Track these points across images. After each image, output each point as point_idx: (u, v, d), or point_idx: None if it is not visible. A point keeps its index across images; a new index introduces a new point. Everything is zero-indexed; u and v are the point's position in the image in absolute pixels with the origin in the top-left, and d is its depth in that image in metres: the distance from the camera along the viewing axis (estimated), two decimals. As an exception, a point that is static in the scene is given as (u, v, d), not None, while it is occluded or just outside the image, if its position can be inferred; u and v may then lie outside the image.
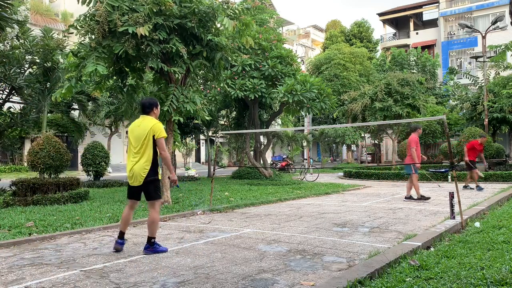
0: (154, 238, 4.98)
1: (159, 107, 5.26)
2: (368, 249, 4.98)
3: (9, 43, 12.41)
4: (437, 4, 39.88)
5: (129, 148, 5.02)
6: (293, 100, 14.65)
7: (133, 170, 4.91)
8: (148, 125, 4.93)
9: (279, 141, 27.15)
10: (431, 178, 15.66)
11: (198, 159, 38.42)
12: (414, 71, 32.30)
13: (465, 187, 12.84)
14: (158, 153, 5.01)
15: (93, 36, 8.18)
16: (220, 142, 31.79)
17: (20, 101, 13.90)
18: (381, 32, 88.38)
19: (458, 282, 3.55)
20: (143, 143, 4.89)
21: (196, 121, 18.02)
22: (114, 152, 28.44)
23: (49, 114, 15.85)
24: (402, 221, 7.06)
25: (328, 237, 5.82)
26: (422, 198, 9.84)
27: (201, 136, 26.66)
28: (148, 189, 4.94)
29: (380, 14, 43.73)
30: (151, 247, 4.97)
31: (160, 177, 5.06)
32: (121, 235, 5.10)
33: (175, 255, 4.91)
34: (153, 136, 4.91)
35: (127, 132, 32.62)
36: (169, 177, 5.11)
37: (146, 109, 5.09)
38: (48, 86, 12.47)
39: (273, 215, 8.11)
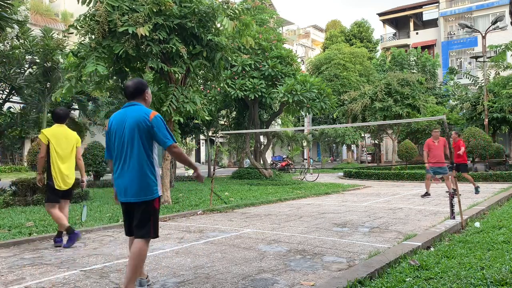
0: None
1: None
2: (368, 249, 4.98)
3: (9, 43, 12.41)
4: (437, 4, 39.87)
5: (55, 153, 5.42)
6: (293, 100, 14.65)
7: (68, 174, 5.50)
8: (73, 134, 5.64)
9: (279, 141, 27.11)
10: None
11: (198, 159, 38.43)
12: (414, 71, 32.29)
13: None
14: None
15: (93, 36, 8.18)
16: (220, 142, 31.79)
17: (20, 101, 13.92)
18: (381, 32, 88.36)
19: (458, 282, 3.55)
20: (71, 150, 5.55)
21: (196, 121, 18.01)
22: (114, 152, 28.36)
23: (49, 114, 15.85)
24: (402, 221, 7.07)
25: (328, 237, 5.82)
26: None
27: (201, 136, 26.63)
28: (72, 190, 5.71)
29: (380, 14, 43.72)
30: (61, 238, 5.53)
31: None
32: (60, 234, 5.53)
33: (175, 255, 4.91)
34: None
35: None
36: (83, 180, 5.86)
37: (63, 119, 5.64)
38: (48, 86, 12.48)
39: (273, 215, 8.11)
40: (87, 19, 8.15)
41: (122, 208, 3.51)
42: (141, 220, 3.34)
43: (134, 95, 3.50)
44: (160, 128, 3.34)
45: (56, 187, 5.38)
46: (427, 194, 10.61)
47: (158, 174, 3.47)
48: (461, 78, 30.46)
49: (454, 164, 7.07)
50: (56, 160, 5.38)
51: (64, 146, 5.47)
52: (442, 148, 10.42)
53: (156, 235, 3.42)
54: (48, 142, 5.38)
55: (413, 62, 34.47)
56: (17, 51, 12.20)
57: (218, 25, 9.10)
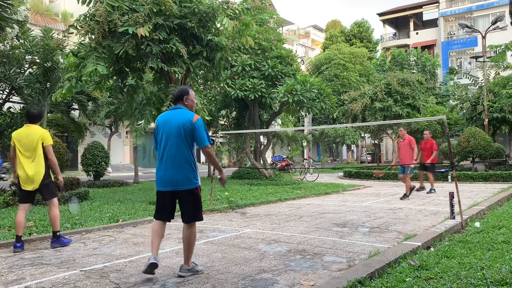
0: (59, 231, 5.49)
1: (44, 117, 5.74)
2: (368, 249, 4.98)
3: (9, 43, 12.41)
4: (437, 4, 39.87)
5: (19, 153, 5.41)
6: (293, 100, 14.65)
7: (33, 174, 5.35)
8: (36, 133, 5.41)
9: (279, 141, 27.12)
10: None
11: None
12: (414, 71, 32.26)
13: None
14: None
15: (93, 36, 8.18)
16: (220, 142, 31.80)
17: (20, 101, 13.90)
18: (381, 32, 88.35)
19: (458, 282, 3.55)
20: (34, 149, 5.37)
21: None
22: (114, 152, 28.45)
23: (49, 114, 15.86)
24: (402, 221, 7.07)
25: (328, 237, 5.82)
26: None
27: (201, 136, 26.60)
28: (45, 190, 5.49)
29: (380, 14, 43.72)
30: (58, 240, 5.43)
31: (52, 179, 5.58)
32: (19, 239, 5.33)
33: (175, 255, 4.91)
34: (42, 144, 5.43)
35: (127, 132, 32.17)
36: (57, 179, 5.72)
37: (35, 119, 5.55)
38: (48, 86, 12.47)
39: (273, 215, 8.11)
40: (87, 19, 8.16)
41: (165, 196, 4.06)
42: (190, 206, 4.03)
43: (177, 100, 4.19)
44: (200, 130, 3.99)
45: (22, 187, 5.40)
46: (421, 188, 10.65)
47: (197, 167, 4.12)
48: (461, 78, 30.45)
49: (454, 164, 7.05)
50: (20, 160, 5.37)
51: (25, 145, 5.38)
52: (407, 147, 10.31)
53: (201, 218, 4.12)
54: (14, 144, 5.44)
55: (413, 62, 34.45)
56: (17, 51, 12.20)
57: (218, 25, 9.11)
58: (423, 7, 42.01)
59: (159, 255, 4.89)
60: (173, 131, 4.00)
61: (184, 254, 4.12)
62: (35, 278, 4.07)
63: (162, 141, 4.06)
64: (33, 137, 5.39)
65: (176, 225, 7.07)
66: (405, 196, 10.38)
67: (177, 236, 6.06)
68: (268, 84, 15.79)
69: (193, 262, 4.19)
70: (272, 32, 17.49)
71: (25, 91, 12.56)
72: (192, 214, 4.05)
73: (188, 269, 4.08)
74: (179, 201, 4.08)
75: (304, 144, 31.02)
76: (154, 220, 4.18)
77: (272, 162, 26.66)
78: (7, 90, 12.83)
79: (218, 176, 4.20)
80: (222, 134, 13.71)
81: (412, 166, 10.32)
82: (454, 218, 6.59)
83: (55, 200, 5.57)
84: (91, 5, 8.31)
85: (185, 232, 4.08)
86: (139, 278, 3.98)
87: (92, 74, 7.92)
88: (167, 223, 4.18)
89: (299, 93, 14.57)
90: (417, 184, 10.72)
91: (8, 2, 9.21)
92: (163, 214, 4.10)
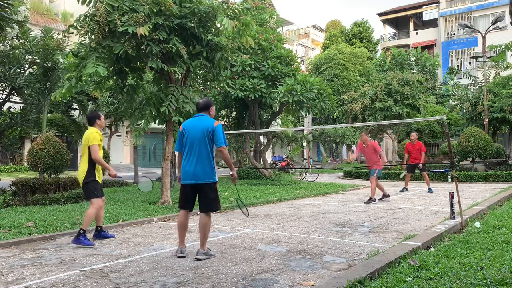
0: (84, 231, 5.55)
1: (102, 117, 6.07)
2: (368, 249, 4.98)
3: (9, 43, 12.40)
4: (437, 4, 39.86)
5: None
6: (293, 100, 14.64)
7: (78, 174, 5.85)
8: (85, 135, 5.80)
9: (279, 141, 27.10)
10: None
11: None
12: (414, 71, 32.23)
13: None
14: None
15: (93, 36, 8.16)
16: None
17: (20, 101, 13.89)
18: (381, 32, 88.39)
19: (458, 282, 3.55)
20: (84, 150, 5.78)
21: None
22: (114, 152, 28.43)
23: (49, 114, 15.83)
24: (402, 221, 7.07)
25: (328, 237, 5.82)
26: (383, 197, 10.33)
27: (201, 136, 26.57)
28: (85, 189, 5.85)
29: (380, 14, 43.70)
30: (77, 238, 5.49)
31: (97, 179, 5.81)
32: (99, 228, 6.00)
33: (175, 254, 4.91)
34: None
35: (127, 132, 32.22)
36: (109, 174, 6.05)
37: (88, 121, 5.99)
38: (48, 86, 12.46)
39: (273, 215, 8.11)
40: (87, 19, 8.14)
41: (188, 188, 4.71)
42: (209, 197, 4.69)
43: (203, 109, 4.87)
44: (219, 133, 4.66)
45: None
46: (384, 196, 10.28)
47: (215, 166, 4.75)
48: (461, 78, 30.44)
49: (454, 164, 7.05)
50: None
51: (82, 147, 5.86)
52: (371, 151, 9.91)
53: (215, 209, 4.78)
54: None
55: (413, 62, 34.41)
56: (17, 51, 12.19)
57: (218, 25, 9.10)
58: (423, 7, 41.99)
59: (160, 254, 4.91)
60: (198, 134, 4.65)
61: (200, 240, 4.71)
62: (35, 278, 4.07)
63: (188, 142, 4.70)
64: (84, 139, 5.79)
65: (175, 225, 7.06)
66: (370, 200, 9.79)
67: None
68: (268, 84, 15.78)
69: (207, 248, 4.76)
70: (272, 32, 17.48)
71: (25, 91, 12.54)
72: (209, 205, 4.68)
73: (203, 253, 4.67)
74: (199, 192, 4.69)
75: (304, 144, 31.03)
76: (179, 210, 4.82)
77: (272, 162, 26.65)
78: (7, 90, 12.81)
79: (231, 173, 4.89)
80: (222, 134, 13.73)
81: (377, 169, 9.97)
82: (454, 218, 6.59)
83: (94, 200, 5.77)
84: (91, 5, 8.29)
85: (202, 220, 4.69)
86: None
87: (92, 75, 7.91)
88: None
89: (299, 93, 14.56)
90: (378, 196, 10.18)
91: (8, 2, 9.21)
92: (187, 203, 4.74)
